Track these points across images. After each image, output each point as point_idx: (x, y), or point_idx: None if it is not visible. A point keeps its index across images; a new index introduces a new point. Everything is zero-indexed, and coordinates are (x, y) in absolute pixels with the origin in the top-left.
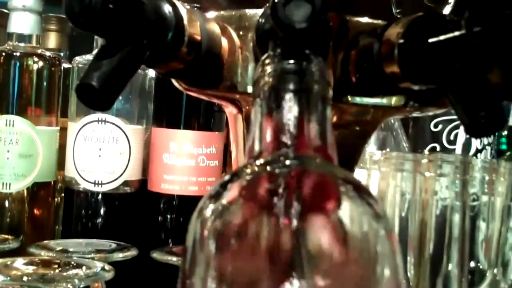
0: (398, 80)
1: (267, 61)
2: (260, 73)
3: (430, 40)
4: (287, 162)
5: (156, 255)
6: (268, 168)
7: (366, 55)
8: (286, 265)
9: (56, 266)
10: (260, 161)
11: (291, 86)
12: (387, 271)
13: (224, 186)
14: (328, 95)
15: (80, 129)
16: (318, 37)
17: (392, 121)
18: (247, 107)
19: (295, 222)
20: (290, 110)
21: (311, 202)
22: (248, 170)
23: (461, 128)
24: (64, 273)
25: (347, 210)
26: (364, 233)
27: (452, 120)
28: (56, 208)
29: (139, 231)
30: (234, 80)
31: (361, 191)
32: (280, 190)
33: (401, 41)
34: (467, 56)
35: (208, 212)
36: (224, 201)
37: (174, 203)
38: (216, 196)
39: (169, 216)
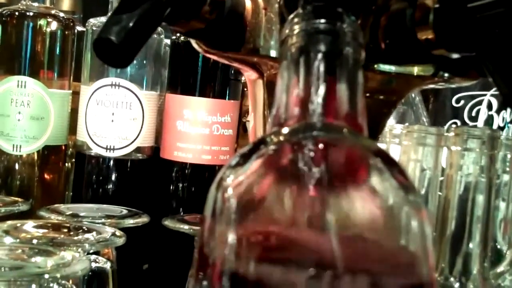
0: (432, 47)
1: (295, 19)
2: (287, 33)
3: (469, 5)
4: (314, 133)
5: (167, 222)
6: (294, 138)
7: (398, 20)
8: (310, 234)
9: (66, 230)
10: (286, 130)
11: (322, 48)
12: (416, 243)
13: (245, 156)
14: (361, 58)
15: (93, 93)
16: None
17: (413, 95)
18: (268, 72)
19: (319, 193)
20: (320, 73)
21: (337, 175)
22: (273, 140)
23: (483, 104)
24: (74, 238)
25: (375, 183)
26: (392, 207)
27: (474, 96)
28: (67, 174)
29: (151, 198)
30: (256, 43)
31: (390, 165)
32: (305, 162)
33: (437, 5)
34: (508, 22)
35: (229, 181)
36: (246, 171)
37: (186, 171)
38: (237, 166)
39: (181, 185)
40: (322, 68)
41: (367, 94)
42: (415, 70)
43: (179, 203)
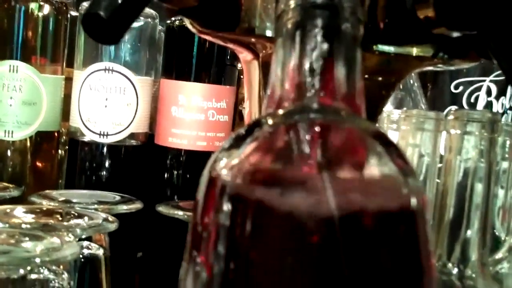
0: (432, 26)
1: None
2: (283, 8)
3: None
4: (311, 115)
5: (161, 208)
6: (290, 121)
7: None
8: (305, 198)
9: (58, 215)
10: (281, 112)
11: (319, 23)
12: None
13: (240, 139)
14: (359, 35)
15: (86, 77)
16: None
17: (411, 81)
18: (264, 51)
19: (315, 172)
20: (317, 51)
21: (334, 159)
22: (268, 122)
23: (482, 90)
24: (66, 223)
25: (374, 167)
26: (391, 191)
27: (473, 82)
28: (60, 162)
29: (145, 185)
30: (252, 22)
31: (389, 148)
32: (302, 146)
33: None
34: None
35: (222, 164)
36: (240, 154)
37: (181, 158)
38: (231, 149)
39: (175, 172)
40: (319, 45)
41: (366, 76)
42: (415, 51)
43: (173, 189)
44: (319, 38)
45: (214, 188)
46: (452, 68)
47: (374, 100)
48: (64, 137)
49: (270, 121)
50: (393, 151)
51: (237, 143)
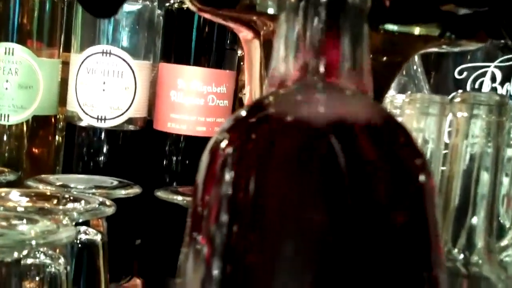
0: (440, 2)
1: None
2: None
3: None
4: (316, 95)
5: (160, 194)
6: (292, 100)
7: None
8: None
9: (54, 199)
10: (284, 91)
11: None
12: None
13: (239, 120)
14: (367, 9)
15: (83, 60)
16: None
17: (415, 67)
18: (265, 28)
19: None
20: (321, 25)
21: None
22: (270, 102)
23: (487, 76)
24: (62, 207)
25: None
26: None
27: (478, 68)
28: (57, 148)
29: (143, 171)
30: None
31: (396, 128)
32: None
33: None
34: None
35: (222, 145)
36: (240, 134)
37: (180, 143)
38: (231, 129)
39: (175, 157)
40: (323, 19)
41: (370, 56)
42: (421, 30)
43: (172, 175)
44: (323, 11)
45: (215, 166)
46: (458, 49)
47: (379, 80)
48: (61, 123)
49: (272, 101)
50: (400, 132)
51: (237, 123)
